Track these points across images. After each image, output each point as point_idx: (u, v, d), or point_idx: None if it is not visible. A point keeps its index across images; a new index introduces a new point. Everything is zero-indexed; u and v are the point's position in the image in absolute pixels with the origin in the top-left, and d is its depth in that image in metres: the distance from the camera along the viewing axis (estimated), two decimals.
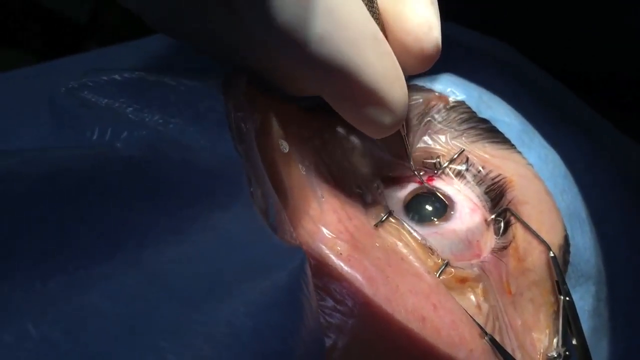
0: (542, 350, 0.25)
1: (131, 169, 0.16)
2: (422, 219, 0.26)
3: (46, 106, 0.20)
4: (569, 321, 0.26)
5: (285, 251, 0.17)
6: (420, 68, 0.23)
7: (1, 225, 0.14)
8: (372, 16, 0.21)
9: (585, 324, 0.27)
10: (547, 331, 0.26)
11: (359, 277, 0.21)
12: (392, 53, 0.21)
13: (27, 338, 0.12)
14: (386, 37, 0.22)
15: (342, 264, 0.21)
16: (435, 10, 0.22)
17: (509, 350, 0.23)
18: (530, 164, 0.28)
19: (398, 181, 0.27)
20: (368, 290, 0.20)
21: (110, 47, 0.38)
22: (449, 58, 0.30)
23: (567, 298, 0.26)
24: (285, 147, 0.22)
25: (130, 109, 0.19)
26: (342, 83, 0.20)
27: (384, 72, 0.20)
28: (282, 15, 0.18)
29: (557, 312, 0.26)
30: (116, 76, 0.21)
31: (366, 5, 0.21)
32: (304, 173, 0.23)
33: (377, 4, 0.22)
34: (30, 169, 0.14)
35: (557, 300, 0.26)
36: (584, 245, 0.28)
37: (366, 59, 0.20)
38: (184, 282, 0.15)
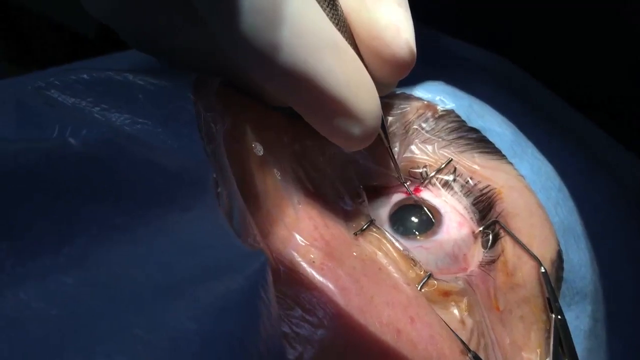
0: None
1: (84, 165, 0.16)
2: (407, 231, 0.25)
3: (10, 105, 0.19)
4: (561, 341, 0.24)
5: (245, 255, 0.16)
6: (396, 74, 0.22)
7: None
8: (335, 22, 0.20)
9: (581, 345, 0.26)
10: (539, 351, 0.24)
11: (331, 286, 0.20)
12: (358, 60, 0.20)
13: None
14: (357, 46, 0.21)
15: (313, 272, 0.20)
16: (405, 11, 0.21)
17: None
18: (521, 175, 0.26)
19: (383, 191, 0.26)
20: (340, 300, 0.19)
21: (108, 55, 0.38)
22: (441, 67, 0.30)
23: (559, 316, 0.24)
24: (259, 150, 0.21)
25: (97, 108, 0.19)
26: (305, 93, 0.19)
27: (346, 80, 0.19)
28: (241, 24, 0.18)
29: (549, 331, 0.25)
30: (84, 75, 0.20)
31: (329, 13, 0.20)
32: (280, 178, 0.22)
33: (341, 11, 0.21)
34: None
35: (549, 318, 0.25)
36: (580, 261, 0.27)
37: (327, 66, 0.19)
38: (129, 283, 0.14)
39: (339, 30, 0.20)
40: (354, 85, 0.19)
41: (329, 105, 0.19)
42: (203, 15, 0.19)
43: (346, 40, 0.20)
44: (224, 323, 0.14)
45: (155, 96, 0.20)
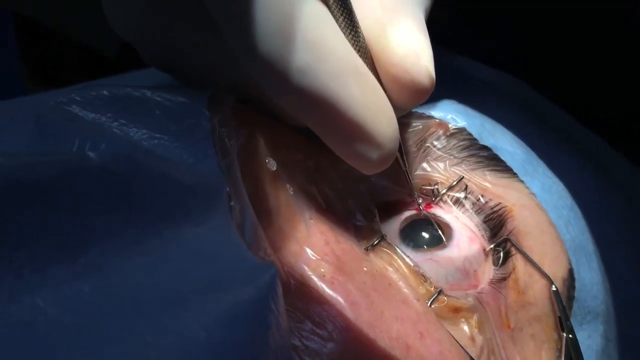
0: None
1: (102, 178, 0.16)
2: (417, 245, 0.25)
3: (32, 120, 0.20)
4: None
5: (255, 267, 0.16)
6: (415, 100, 0.22)
7: None
8: (357, 49, 0.21)
9: None
10: None
11: (341, 300, 0.20)
12: (378, 86, 0.21)
13: None
14: (376, 70, 0.22)
15: (324, 286, 0.20)
16: (424, 37, 0.21)
17: None
18: (533, 194, 0.27)
19: (394, 207, 0.26)
20: (350, 314, 0.20)
21: (126, 74, 0.39)
22: (454, 87, 0.30)
23: (570, 335, 0.24)
24: (273, 165, 0.22)
25: (116, 123, 0.19)
26: (325, 116, 0.20)
27: (367, 105, 0.20)
28: (263, 46, 0.18)
29: (560, 350, 0.25)
30: (104, 92, 0.21)
31: (351, 39, 0.21)
32: (292, 193, 0.23)
33: (362, 37, 0.21)
34: None
35: (561, 337, 0.25)
36: (591, 280, 0.27)
37: (347, 92, 0.19)
38: (141, 292, 0.14)
39: (360, 55, 0.20)
40: (374, 111, 0.20)
41: (349, 129, 0.20)
42: (226, 38, 0.19)
43: (367, 65, 0.20)
44: (234, 333, 0.14)
45: (172, 112, 0.20)
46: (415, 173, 0.27)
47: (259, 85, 0.20)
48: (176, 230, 0.17)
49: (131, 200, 0.16)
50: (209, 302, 0.14)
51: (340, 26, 0.20)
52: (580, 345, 0.25)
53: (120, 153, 0.18)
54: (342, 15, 0.20)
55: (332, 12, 0.20)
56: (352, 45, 0.21)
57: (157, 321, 0.13)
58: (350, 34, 0.21)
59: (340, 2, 0.20)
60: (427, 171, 0.27)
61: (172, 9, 0.22)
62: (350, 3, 0.21)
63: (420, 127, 0.27)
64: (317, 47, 0.19)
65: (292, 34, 0.18)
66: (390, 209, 0.26)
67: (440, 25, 0.27)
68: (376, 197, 0.26)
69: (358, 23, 0.21)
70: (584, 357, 0.25)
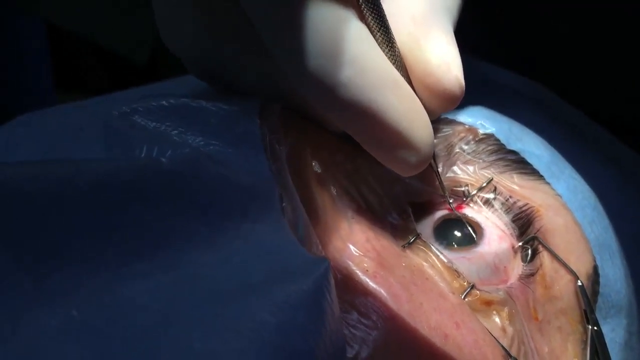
0: None
1: (174, 182, 0.18)
2: (450, 244, 0.27)
3: (100, 128, 0.22)
4: (597, 351, 0.26)
5: (310, 261, 0.18)
6: (446, 107, 0.24)
7: (55, 225, 0.15)
8: (394, 62, 0.23)
9: (617, 357, 0.27)
10: None
11: (383, 292, 0.22)
12: (414, 95, 0.22)
13: (70, 321, 0.14)
14: (411, 80, 0.24)
15: (367, 280, 0.22)
16: (454, 48, 0.23)
17: None
18: (558, 195, 0.28)
19: (427, 207, 0.28)
20: (392, 305, 0.21)
21: (165, 81, 0.41)
22: (481, 93, 0.31)
23: (595, 328, 0.26)
24: (317, 168, 0.24)
25: (175, 131, 0.21)
26: (366, 125, 0.22)
27: (405, 114, 0.21)
28: (312, 65, 0.20)
29: (585, 342, 0.26)
30: (163, 102, 0.23)
31: (388, 52, 0.23)
32: (335, 194, 0.24)
33: (398, 51, 0.23)
34: (83, 176, 0.16)
35: (586, 330, 0.26)
36: (615, 276, 0.28)
37: (388, 102, 0.21)
38: (215, 283, 0.16)
39: (396, 67, 0.22)
40: (412, 119, 0.22)
41: (389, 137, 0.22)
42: (274, 57, 0.21)
43: (403, 77, 0.22)
44: (297, 318, 0.16)
45: (226, 120, 0.22)
46: (446, 176, 0.28)
47: (304, 98, 0.22)
48: (238, 228, 0.18)
49: (199, 201, 0.18)
50: (274, 292, 0.16)
51: (377, 41, 0.22)
52: (605, 337, 0.26)
53: (186, 158, 0.19)
54: (379, 31, 0.22)
55: (370, 29, 0.22)
56: (389, 58, 0.22)
57: (231, 307, 0.15)
58: (387, 48, 0.23)
59: (378, 20, 0.22)
60: (457, 174, 0.28)
61: (223, 30, 0.23)
62: (386, 20, 0.22)
63: (450, 132, 0.29)
64: (360, 63, 0.21)
65: (338, 52, 0.20)
66: (422, 210, 0.28)
67: (466, 34, 0.28)
68: (410, 197, 0.27)
69: (394, 38, 0.23)
70: (608, 349, 0.26)
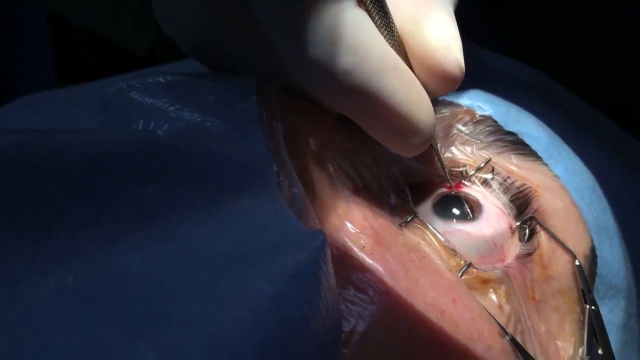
0: (566, 359, 0.25)
1: (170, 153, 0.18)
2: (449, 218, 0.27)
3: (97, 105, 0.22)
4: (595, 330, 0.26)
5: (307, 233, 0.18)
6: (446, 89, 0.24)
7: (52, 193, 0.15)
8: (394, 46, 0.23)
9: (615, 337, 0.27)
10: (573, 340, 0.26)
11: (380, 268, 0.22)
12: (415, 78, 0.23)
13: (66, 286, 0.14)
14: (410, 63, 0.24)
15: (364, 256, 0.22)
16: (455, 30, 0.23)
17: (531, 354, 0.24)
18: (556, 176, 0.28)
19: (424, 187, 0.28)
20: (389, 280, 0.21)
21: (166, 65, 0.41)
22: (480, 77, 0.31)
23: (593, 307, 0.26)
24: (315, 145, 0.24)
25: (172, 107, 0.21)
26: (369, 110, 0.22)
27: (407, 96, 0.22)
28: (311, 52, 0.20)
29: (582, 322, 0.26)
30: (160, 79, 0.23)
31: (387, 36, 0.23)
32: (333, 173, 0.24)
33: (397, 34, 0.23)
34: (80, 145, 0.16)
35: (583, 310, 0.26)
36: (613, 258, 0.28)
37: (390, 86, 0.21)
38: (211, 253, 0.16)
39: (395, 51, 0.22)
40: (414, 102, 0.22)
41: (392, 121, 0.22)
42: (274, 44, 0.21)
43: (403, 60, 0.22)
44: (293, 287, 0.16)
45: (223, 97, 0.22)
46: (444, 156, 0.28)
47: (306, 84, 0.22)
48: (235, 202, 0.18)
49: (195, 174, 0.18)
50: (270, 262, 0.16)
51: (376, 25, 0.22)
52: (603, 319, 0.26)
53: (183, 131, 0.19)
54: (378, 15, 0.22)
55: (369, 14, 0.22)
56: (388, 42, 0.22)
57: (228, 276, 0.15)
58: (386, 31, 0.23)
59: (376, 5, 0.22)
60: (455, 154, 0.28)
61: (222, 13, 0.23)
62: (386, 4, 0.22)
63: (448, 113, 0.29)
64: (359, 49, 0.21)
65: (337, 39, 0.20)
66: (420, 190, 0.28)
67: (466, 21, 0.28)
68: (407, 177, 0.27)
69: (393, 21, 0.23)
70: (607, 330, 0.26)
